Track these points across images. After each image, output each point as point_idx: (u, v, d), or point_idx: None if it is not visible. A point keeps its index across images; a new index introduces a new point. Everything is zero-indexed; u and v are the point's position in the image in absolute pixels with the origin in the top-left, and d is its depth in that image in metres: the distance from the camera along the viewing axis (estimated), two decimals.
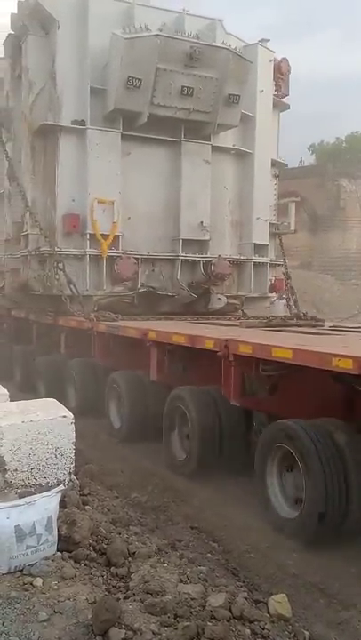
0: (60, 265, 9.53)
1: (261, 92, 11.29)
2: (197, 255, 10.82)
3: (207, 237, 10.85)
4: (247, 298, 11.66)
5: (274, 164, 11.98)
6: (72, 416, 4.57)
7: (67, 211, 9.98)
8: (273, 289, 12.09)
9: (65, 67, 9.86)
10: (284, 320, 8.68)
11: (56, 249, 9.73)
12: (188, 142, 10.58)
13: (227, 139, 11.18)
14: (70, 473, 4.52)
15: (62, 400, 9.42)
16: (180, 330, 7.13)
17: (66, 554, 3.80)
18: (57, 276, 9.57)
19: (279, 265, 12.29)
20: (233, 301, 11.46)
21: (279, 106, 12.06)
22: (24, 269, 10.70)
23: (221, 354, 5.78)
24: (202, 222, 10.74)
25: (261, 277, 11.67)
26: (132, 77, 9.45)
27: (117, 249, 10.17)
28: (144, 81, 9.54)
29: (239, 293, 11.56)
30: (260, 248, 11.59)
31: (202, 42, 9.71)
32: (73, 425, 4.52)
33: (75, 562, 3.75)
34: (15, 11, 10.42)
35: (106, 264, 10.10)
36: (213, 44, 9.92)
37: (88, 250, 9.98)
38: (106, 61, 9.90)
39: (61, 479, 4.41)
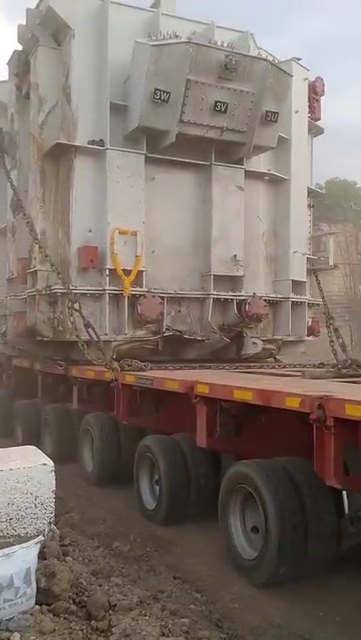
0: (76, 305, 8.09)
1: (297, 112, 10.14)
2: (230, 293, 9.43)
3: (241, 273, 9.50)
4: (284, 342, 10.24)
5: (309, 192, 10.74)
6: (52, 464, 4.48)
7: (83, 243, 8.62)
8: (310, 331, 10.71)
9: (81, 80, 8.66)
10: (355, 369, 7.24)
11: (70, 287, 8.32)
12: (220, 166, 9.32)
13: (259, 163, 9.96)
14: (50, 522, 4.43)
15: (79, 465, 7.97)
16: (241, 383, 5.67)
17: (45, 607, 3.71)
18: (71, 319, 8.12)
19: (316, 305, 10.93)
20: (268, 346, 10.03)
21: (313, 129, 10.90)
22: (31, 312, 9.25)
23: (315, 417, 4.31)
24: (235, 256, 9.40)
25: (299, 318, 10.28)
26: (160, 90, 8.24)
27: (140, 286, 8.78)
28: (173, 95, 8.33)
29: (275, 337, 10.14)
30: (297, 285, 10.24)
31: (238, 52, 8.56)
32: (53, 473, 4.45)
33: (54, 615, 3.67)
34: (23, 22, 9.29)
35: (127, 304, 8.68)
36: (250, 54, 8.76)
37: (107, 288, 8.58)
38: (127, 75, 8.73)
39: (41, 529, 4.33)
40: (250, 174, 9.67)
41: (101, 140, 8.66)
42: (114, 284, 8.62)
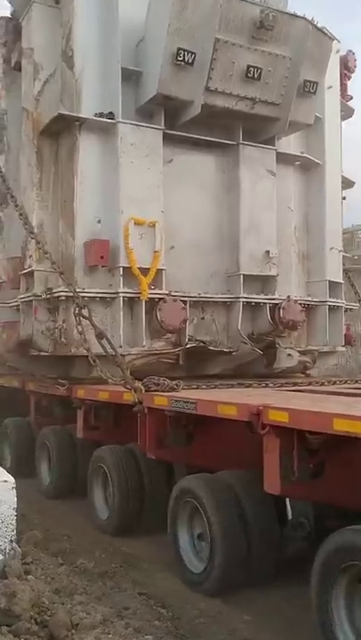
0: (85, 311, 6.57)
1: (330, 88, 8.81)
2: (262, 296, 7.99)
3: (274, 272, 8.07)
4: (320, 353, 8.82)
5: (342, 181, 9.40)
6: (13, 480, 4.42)
7: (90, 236, 7.11)
8: (346, 340, 9.32)
9: (85, 41, 7.20)
10: None
11: (77, 289, 6.79)
12: (249, 146, 7.91)
13: (289, 145, 8.59)
14: (12, 541, 4.30)
15: (86, 506, 7.09)
16: (340, 408, 4.20)
17: (5, 628, 3.58)
18: (79, 328, 6.58)
19: (351, 309, 9.57)
20: (303, 358, 8.61)
21: (342, 110, 9.57)
22: (26, 321, 7.69)
23: None
24: (268, 252, 7.97)
25: (336, 325, 8.88)
26: (184, 50, 6.83)
27: (160, 289, 7.30)
28: (198, 56, 6.92)
29: (310, 347, 8.72)
30: (333, 287, 8.85)
31: (274, 8, 7.19)
32: (14, 490, 4.36)
33: (14, 636, 3.54)
34: None
35: (144, 310, 7.19)
36: (289, 11, 7.40)
37: (121, 290, 7.07)
38: (140, 37, 7.31)
39: (2, 548, 4.21)
40: (280, 157, 8.27)
41: (111, 112, 7.19)
42: (128, 286, 7.12)
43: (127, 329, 7.17)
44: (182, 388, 6.10)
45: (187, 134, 7.55)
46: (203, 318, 7.89)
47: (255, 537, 4.86)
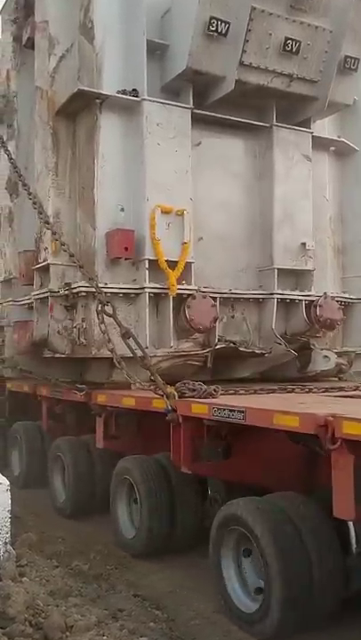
0: (109, 308, 5.89)
1: None
2: (297, 293, 7.32)
3: (311, 267, 7.39)
4: (356, 354, 8.14)
5: None
6: (7, 482, 4.47)
7: (112, 226, 6.43)
8: None
9: (106, 12, 6.53)
10: None
11: (98, 284, 6.11)
12: (283, 128, 7.24)
13: (323, 128, 7.93)
14: (6, 543, 4.34)
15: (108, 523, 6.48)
16: None
17: None
18: (102, 327, 5.90)
19: None
20: (339, 360, 7.92)
21: None
22: (40, 320, 7.02)
23: None
24: (304, 244, 7.30)
25: None
26: (217, 20, 6.17)
27: (188, 284, 6.62)
28: (233, 27, 6.27)
29: (346, 348, 8.04)
30: None
31: None
32: (8, 492, 4.41)
33: (9, 639, 3.52)
34: None
35: (172, 307, 6.52)
36: None
37: (147, 285, 6.40)
38: (166, 8, 6.66)
39: None
40: (314, 142, 7.58)
41: (135, 89, 6.53)
42: (154, 281, 6.45)
43: (152, 328, 6.50)
44: (221, 394, 5.43)
45: (217, 115, 6.88)
46: (233, 317, 7.22)
47: (318, 572, 4.12)
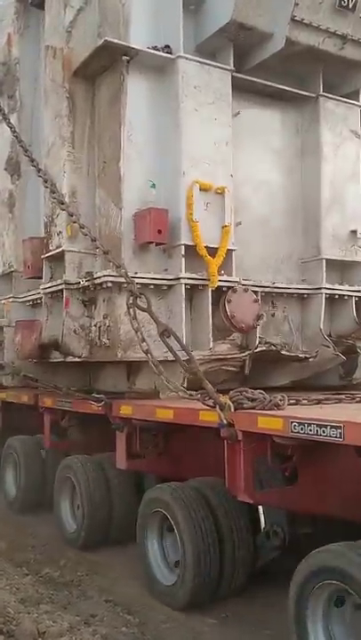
0: (142, 301, 4.89)
1: None
2: (346, 288, 6.40)
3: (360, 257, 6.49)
4: None
5: None
6: None
7: (142, 205, 5.45)
8: None
9: None
10: None
11: (126, 274, 5.10)
12: (331, 100, 6.34)
13: None
14: None
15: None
16: None
17: None
18: (135, 324, 4.89)
19: None
20: None
21: None
22: (50, 319, 5.99)
23: None
24: (355, 232, 6.39)
25: None
26: None
27: (229, 274, 5.66)
28: None
29: None
30: None
31: None
32: None
33: None
34: None
35: (211, 301, 5.54)
36: None
37: (183, 275, 5.41)
38: None
39: None
40: None
41: (167, 46, 5.57)
42: (189, 270, 5.47)
43: (187, 326, 5.51)
44: (289, 404, 4.45)
45: (260, 81, 5.95)
46: (273, 315, 6.26)
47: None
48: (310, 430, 3.71)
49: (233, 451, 4.36)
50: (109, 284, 5.26)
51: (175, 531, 4.74)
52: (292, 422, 3.84)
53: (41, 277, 6.21)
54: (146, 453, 5.76)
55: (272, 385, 6.34)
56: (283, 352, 6.16)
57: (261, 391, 4.50)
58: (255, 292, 5.84)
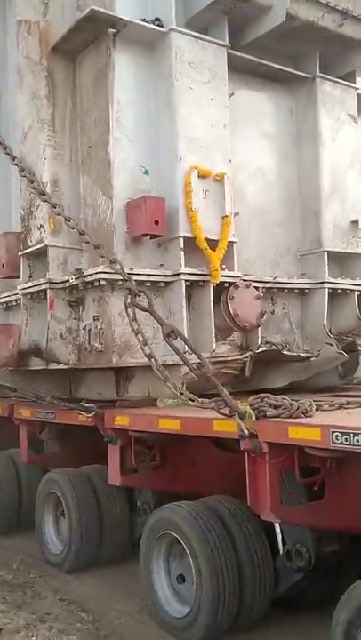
0: (143, 300, 4.36)
1: None
2: (349, 282, 6.01)
3: None
4: None
5: None
6: None
7: (135, 193, 4.91)
8: None
9: None
10: None
11: (122, 270, 4.55)
12: (328, 81, 5.94)
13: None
14: None
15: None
16: None
17: None
18: (134, 325, 4.36)
19: None
20: None
21: None
22: (30, 322, 5.38)
23: None
24: (356, 222, 6.01)
25: None
26: None
27: (230, 269, 5.18)
28: None
29: None
30: None
31: None
32: None
33: None
34: None
35: (212, 299, 5.05)
36: None
37: (183, 270, 4.90)
38: None
39: None
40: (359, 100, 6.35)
41: (158, 19, 5.06)
42: (191, 265, 4.96)
43: (188, 325, 5.01)
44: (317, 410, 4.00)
45: (256, 59, 5.49)
46: (273, 312, 5.82)
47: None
48: (357, 441, 3.26)
49: (256, 465, 3.89)
50: (102, 282, 4.70)
51: (188, 555, 4.22)
52: (333, 432, 3.38)
53: (17, 277, 5.60)
54: (142, 468, 5.24)
55: (271, 387, 5.90)
56: (284, 352, 5.72)
57: (284, 397, 4.04)
58: (256, 288, 5.39)
